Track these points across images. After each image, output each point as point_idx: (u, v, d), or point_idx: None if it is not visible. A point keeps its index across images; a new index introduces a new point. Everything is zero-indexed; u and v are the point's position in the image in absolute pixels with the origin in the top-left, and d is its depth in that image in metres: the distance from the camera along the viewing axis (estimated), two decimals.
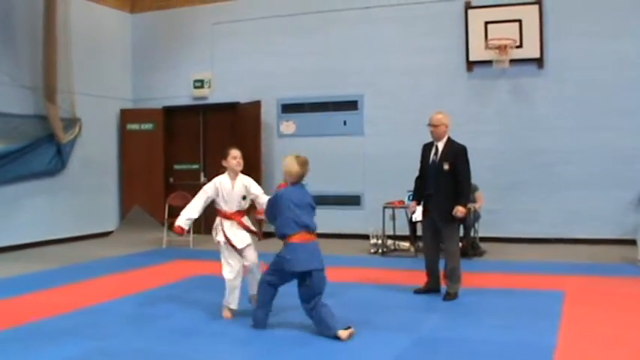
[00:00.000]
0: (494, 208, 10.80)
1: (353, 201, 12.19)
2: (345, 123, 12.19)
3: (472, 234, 9.93)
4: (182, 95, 13.44)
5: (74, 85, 11.87)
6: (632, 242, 9.28)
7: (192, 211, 6.26)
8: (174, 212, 11.30)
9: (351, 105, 12.23)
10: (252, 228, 6.36)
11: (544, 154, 11.03)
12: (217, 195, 6.22)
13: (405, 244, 10.29)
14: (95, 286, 7.86)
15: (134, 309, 6.60)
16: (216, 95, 13.20)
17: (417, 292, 7.04)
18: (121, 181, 13.47)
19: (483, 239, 10.36)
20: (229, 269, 6.15)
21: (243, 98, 12.80)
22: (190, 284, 7.09)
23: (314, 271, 5.39)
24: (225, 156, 6.29)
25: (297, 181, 5.60)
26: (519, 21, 11.03)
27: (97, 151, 12.80)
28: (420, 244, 10.15)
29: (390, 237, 10.44)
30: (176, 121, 13.59)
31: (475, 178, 10.17)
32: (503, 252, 10.10)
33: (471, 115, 11.35)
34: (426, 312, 6.31)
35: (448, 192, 6.82)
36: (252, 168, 12.38)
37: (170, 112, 13.51)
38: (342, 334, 5.27)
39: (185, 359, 4.94)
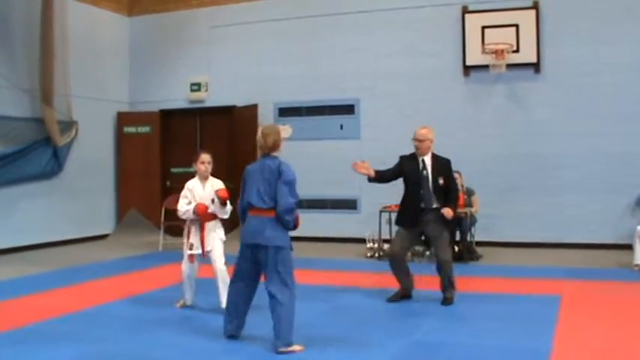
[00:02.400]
0: (490, 213, 10.82)
1: (349, 205, 12.18)
2: (341, 127, 12.20)
3: (468, 238, 9.93)
4: (179, 98, 13.45)
5: (71, 87, 11.86)
6: (629, 247, 9.30)
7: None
8: (171, 215, 11.35)
9: (347, 109, 12.23)
10: (222, 235, 6.67)
11: (540, 159, 11.05)
12: (191, 198, 6.51)
13: None
14: (91, 289, 7.85)
15: (130, 312, 6.59)
16: (213, 98, 13.20)
17: (391, 300, 6.94)
18: (118, 184, 13.46)
19: (479, 243, 10.35)
20: (185, 266, 6.59)
21: (239, 102, 12.80)
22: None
23: (259, 246, 5.21)
24: (195, 160, 6.60)
25: (264, 152, 5.38)
26: (516, 26, 11.05)
27: (93, 154, 12.78)
28: (417, 248, 10.18)
29: (386, 241, 10.40)
30: (173, 124, 13.59)
31: (471, 183, 10.29)
32: (499, 256, 10.10)
33: (467, 120, 11.38)
34: (421, 317, 6.31)
35: (442, 206, 6.87)
36: None
37: (167, 115, 13.51)
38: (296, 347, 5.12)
39: None
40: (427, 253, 9.91)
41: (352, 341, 5.39)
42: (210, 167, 6.63)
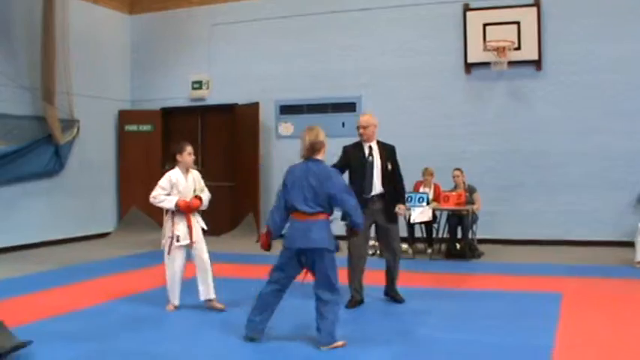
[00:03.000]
0: (492, 210, 10.81)
1: None
2: (343, 125, 12.16)
3: (470, 235, 9.92)
4: (180, 97, 13.44)
5: (72, 86, 11.87)
6: (630, 244, 9.29)
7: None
8: None
9: (349, 106, 12.22)
10: (203, 224, 6.69)
11: (542, 156, 11.04)
12: (172, 190, 6.51)
13: (403, 246, 10.26)
14: (93, 288, 7.84)
15: (132, 310, 6.59)
16: (214, 97, 13.20)
17: (349, 307, 6.60)
18: (119, 182, 13.46)
19: (481, 241, 10.36)
20: (173, 262, 6.52)
21: (241, 100, 12.79)
22: (188, 286, 7.09)
23: (306, 250, 5.17)
24: (180, 151, 6.63)
25: (307, 154, 5.29)
26: (518, 23, 11.04)
27: (95, 152, 12.79)
28: (419, 245, 10.20)
29: None
30: (174, 122, 13.58)
31: (473, 180, 10.28)
32: (500, 254, 10.10)
33: (469, 117, 11.37)
34: (423, 314, 6.31)
35: (391, 192, 6.80)
36: (250, 169, 12.39)
37: (168, 113, 13.51)
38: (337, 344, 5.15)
39: None
40: (410, 250, 9.92)
41: (355, 338, 5.38)
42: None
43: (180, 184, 6.54)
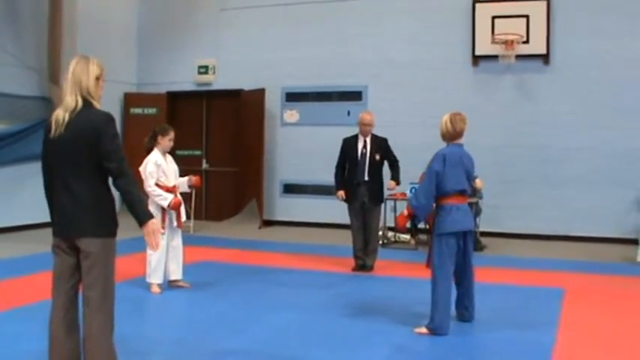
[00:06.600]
0: (495, 203, 10.80)
1: None
2: (348, 113, 12.15)
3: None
4: (186, 81, 13.41)
5: None
6: (633, 242, 9.30)
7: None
8: None
9: (355, 95, 12.21)
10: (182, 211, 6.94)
11: (547, 151, 11.02)
12: (158, 171, 6.72)
13: (406, 237, 10.30)
14: None
15: (136, 293, 6.60)
16: (220, 82, 13.17)
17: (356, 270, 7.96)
18: None
19: (484, 234, 10.36)
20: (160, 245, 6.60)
21: (247, 85, 12.77)
22: (191, 270, 7.12)
23: (468, 232, 5.46)
24: (163, 133, 6.88)
25: (454, 139, 5.60)
26: (527, 16, 11.00)
27: None
28: (421, 236, 10.22)
29: (390, 229, 10.44)
30: (179, 106, 13.56)
31: (477, 172, 10.21)
32: (503, 247, 10.11)
33: (474, 110, 11.23)
34: (424, 305, 6.30)
35: (378, 178, 7.96)
36: (255, 155, 12.38)
37: (174, 97, 13.48)
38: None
39: (187, 346, 4.96)
40: (412, 241, 9.98)
41: (355, 330, 5.40)
42: None
43: (164, 166, 6.76)
